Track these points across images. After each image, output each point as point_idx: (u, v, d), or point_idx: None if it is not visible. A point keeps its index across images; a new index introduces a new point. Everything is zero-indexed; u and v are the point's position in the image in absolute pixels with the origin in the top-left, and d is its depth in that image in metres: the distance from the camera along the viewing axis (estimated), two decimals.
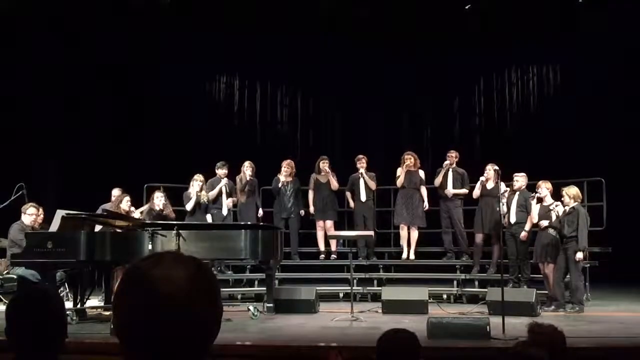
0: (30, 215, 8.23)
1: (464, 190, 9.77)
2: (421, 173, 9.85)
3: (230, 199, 9.86)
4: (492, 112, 13.00)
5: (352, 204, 10.17)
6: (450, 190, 9.72)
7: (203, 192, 9.58)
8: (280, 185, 10.05)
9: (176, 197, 9.64)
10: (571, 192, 8.14)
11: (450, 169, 9.79)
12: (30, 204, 8.40)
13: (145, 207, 9.21)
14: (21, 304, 2.08)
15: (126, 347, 1.14)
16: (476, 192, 9.45)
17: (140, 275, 1.15)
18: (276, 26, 11.73)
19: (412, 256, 9.81)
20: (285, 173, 10.06)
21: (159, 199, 8.92)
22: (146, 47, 11.80)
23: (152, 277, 1.14)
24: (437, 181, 9.84)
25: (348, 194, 10.23)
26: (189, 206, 9.50)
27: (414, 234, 9.80)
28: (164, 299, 1.12)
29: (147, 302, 1.12)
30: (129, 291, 1.15)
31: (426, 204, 9.80)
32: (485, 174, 9.26)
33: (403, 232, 9.83)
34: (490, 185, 9.21)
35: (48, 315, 2.00)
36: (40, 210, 8.49)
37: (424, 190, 9.84)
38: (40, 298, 2.08)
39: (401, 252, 9.92)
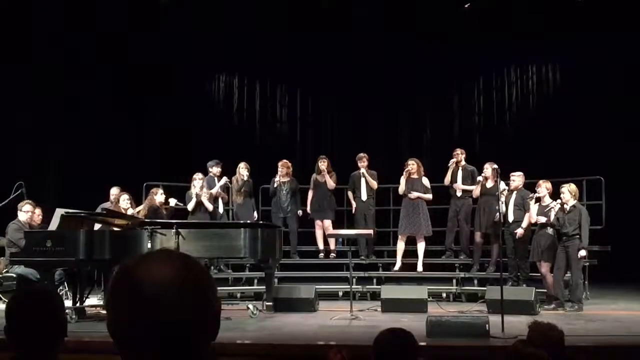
0: (26, 212, 8.23)
1: (472, 187, 9.63)
2: (425, 181, 9.56)
3: (220, 198, 9.82)
4: (492, 111, 12.99)
5: (353, 203, 10.05)
6: (459, 185, 9.67)
7: (204, 191, 9.56)
8: (276, 185, 10.03)
9: (176, 196, 9.61)
10: (572, 188, 8.15)
11: (460, 167, 9.74)
12: (26, 201, 8.39)
13: (142, 206, 9.05)
14: (20, 302, 2.08)
15: (118, 346, 1.13)
16: (476, 192, 9.44)
17: (125, 275, 1.14)
18: (276, 25, 11.72)
19: (420, 268, 9.56)
20: (281, 173, 10.04)
21: (159, 196, 8.87)
22: (146, 46, 11.79)
23: (137, 277, 1.12)
24: (447, 180, 9.77)
25: (349, 194, 10.14)
26: (190, 206, 9.49)
27: (421, 245, 9.55)
28: (147, 298, 1.10)
29: (131, 302, 1.11)
30: (115, 291, 1.14)
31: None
32: (483, 173, 9.25)
33: (400, 245, 9.59)
34: (489, 184, 9.21)
35: (47, 314, 2.00)
36: (38, 209, 8.48)
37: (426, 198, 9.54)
38: (40, 297, 2.08)
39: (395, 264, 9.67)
